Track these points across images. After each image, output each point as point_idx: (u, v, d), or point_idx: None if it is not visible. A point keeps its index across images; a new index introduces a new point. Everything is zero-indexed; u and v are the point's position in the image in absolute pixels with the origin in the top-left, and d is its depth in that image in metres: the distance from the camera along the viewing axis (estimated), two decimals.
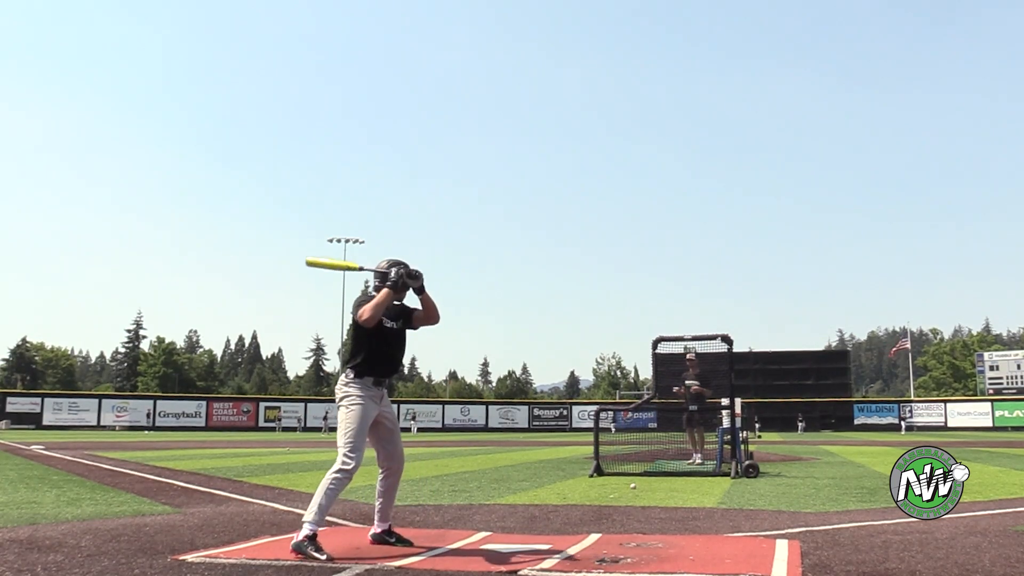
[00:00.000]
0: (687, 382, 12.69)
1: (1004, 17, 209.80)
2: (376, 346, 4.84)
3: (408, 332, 5.08)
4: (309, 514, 4.57)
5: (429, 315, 4.98)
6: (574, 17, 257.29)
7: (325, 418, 55.23)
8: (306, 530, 4.51)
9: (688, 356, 12.66)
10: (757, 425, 45.76)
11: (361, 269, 5.04)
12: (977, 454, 18.02)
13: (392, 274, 4.78)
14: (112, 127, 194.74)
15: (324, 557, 4.39)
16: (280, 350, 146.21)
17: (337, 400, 4.86)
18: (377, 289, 4.86)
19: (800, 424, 56.71)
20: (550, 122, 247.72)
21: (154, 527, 5.80)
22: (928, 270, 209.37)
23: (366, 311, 4.69)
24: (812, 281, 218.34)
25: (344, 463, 4.64)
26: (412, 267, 4.83)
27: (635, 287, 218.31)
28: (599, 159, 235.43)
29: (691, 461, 12.28)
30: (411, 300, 5.04)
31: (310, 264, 5.15)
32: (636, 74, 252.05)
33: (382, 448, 4.98)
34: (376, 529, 4.97)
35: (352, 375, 4.81)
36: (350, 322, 4.95)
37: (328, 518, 5.22)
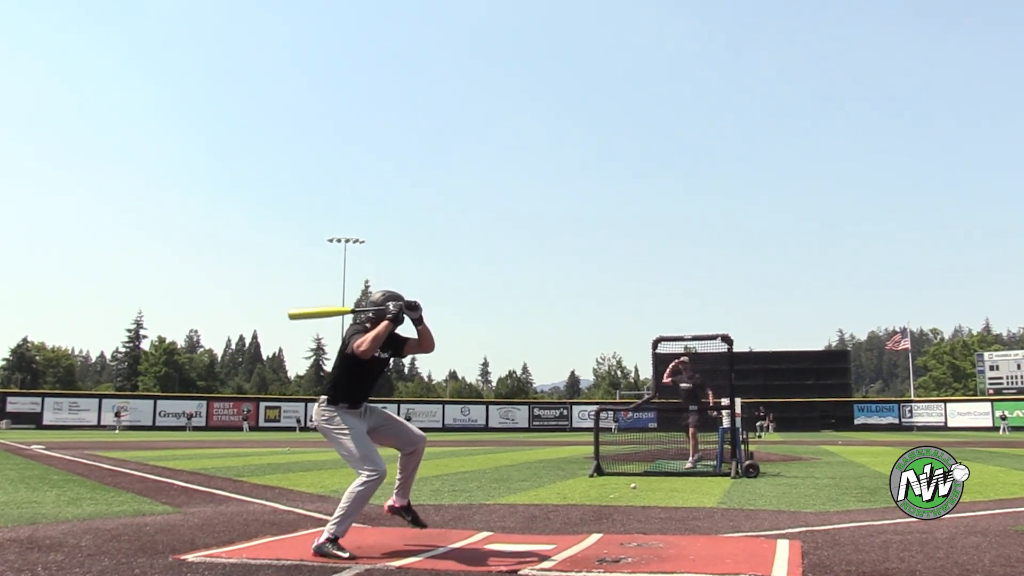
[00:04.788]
0: (681, 385, 12.63)
1: (1004, 18, 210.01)
2: (360, 376, 4.79)
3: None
4: (332, 522, 4.58)
5: (424, 345, 4.92)
6: (573, 19, 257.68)
7: (298, 420, 56.50)
8: (327, 535, 4.53)
9: (681, 359, 12.59)
10: (759, 424, 45.35)
11: (353, 312, 4.87)
12: (977, 454, 18.02)
13: (391, 307, 4.70)
14: (112, 127, 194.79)
15: (347, 555, 4.43)
16: (280, 350, 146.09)
17: (320, 426, 4.79)
18: (373, 322, 4.76)
19: (770, 425, 50.13)
20: (550, 123, 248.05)
21: (154, 527, 5.80)
22: (928, 270, 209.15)
23: (365, 343, 4.57)
24: (812, 281, 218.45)
25: (369, 476, 4.59)
26: (410, 299, 4.76)
27: (635, 287, 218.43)
28: (599, 160, 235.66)
29: (689, 464, 12.22)
30: (403, 329, 4.93)
31: (293, 317, 4.91)
32: (635, 76, 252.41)
33: (395, 440, 4.98)
34: (394, 502, 5.01)
35: (327, 402, 4.79)
36: (340, 349, 4.83)
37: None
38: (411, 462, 4.99)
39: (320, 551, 4.50)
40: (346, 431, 4.70)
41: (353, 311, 4.91)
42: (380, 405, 5.45)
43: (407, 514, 5.01)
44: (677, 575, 4.09)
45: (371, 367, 4.83)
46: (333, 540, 4.51)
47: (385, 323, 4.68)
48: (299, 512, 6.82)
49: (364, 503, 4.63)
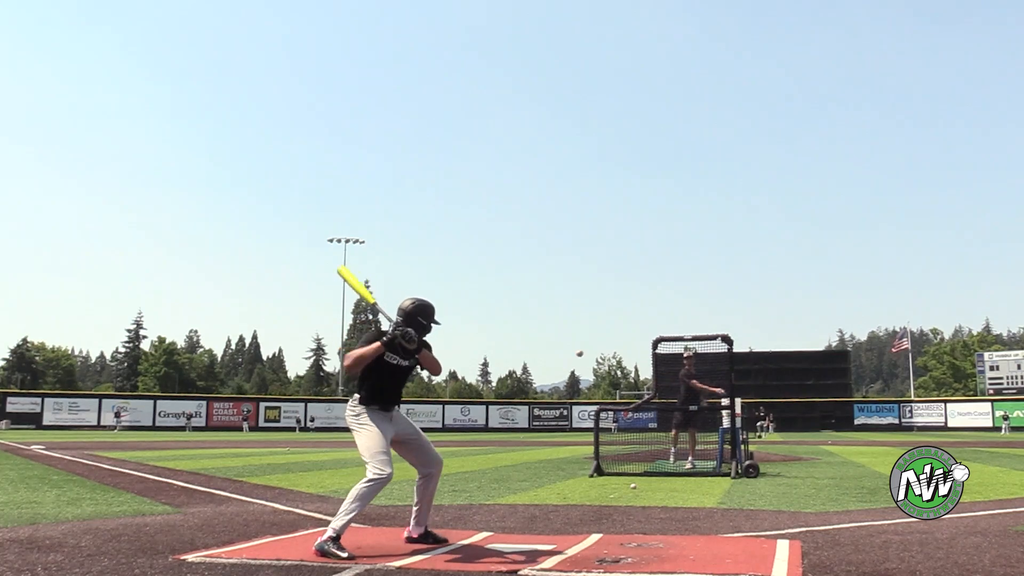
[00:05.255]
0: (690, 382, 12.60)
1: (1004, 18, 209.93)
2: (380, 380, 4.90)
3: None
4: (336, 520, 4.62)
5: (428, 369, 5.08)
6: (573, 19, 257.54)
7: (298, 421, 58.01)
8: (329, 533, 4.57)
9: (688, 356, 12.59)
10: (759, 424, 45.09)
11: (374, 306, 4.98)
12: (977, 454, 18.02)
13: (393, 331, 4.81)
14: (111, 126, 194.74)
15: (347, 555, 4.45)
16: (280, 350, 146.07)
17: (347, 419, 4.96)
18: (375, 336, 4.87)
19: (770, 425, 50.07)
20: (550, 123, 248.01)
21: (154, 527, 5.80)
22: (928, 270, 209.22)
23: (349, 359, 4.78)
24: (812, 281, 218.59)
25: (376, 473, 4.64)
26: (411, 331, 4.81)
27: (636, 287, 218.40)
28: (599, 159, 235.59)
29: (688, 464, 12.21)
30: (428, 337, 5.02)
31: (340, 274, 5.29)
32: (636, 75, 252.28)
33: (414, 458, 5.07)
34: (412, 532, 5.06)
35: (357, 401, 4.92)
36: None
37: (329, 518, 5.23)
38: (427, 490, 5.07)
39: (320, 549, 4.52)
40: (366, 427, 4.81)
41: (374, 306, 4.99)
42: None
43: (426, 541, 5.04)
44: (677, 575, 4.09)
45: (391, 374, 4.93)
46: (335, 539, 4.53)
47: (377, 345, 4.80)
48: (299, 512, 6.82)
49: (367, 502, 4.67)
